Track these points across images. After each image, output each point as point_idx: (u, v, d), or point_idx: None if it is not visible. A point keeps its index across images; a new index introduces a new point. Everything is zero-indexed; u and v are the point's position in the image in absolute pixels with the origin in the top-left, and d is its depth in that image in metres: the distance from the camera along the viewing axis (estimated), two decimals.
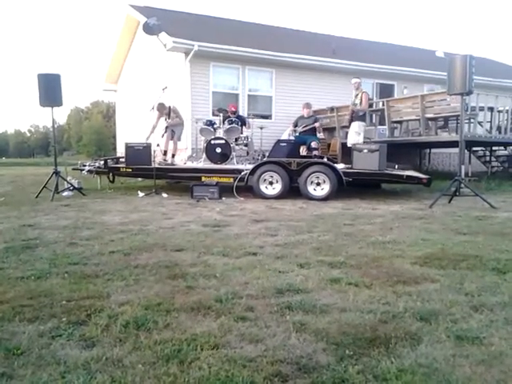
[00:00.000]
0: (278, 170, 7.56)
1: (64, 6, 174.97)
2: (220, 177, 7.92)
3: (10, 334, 2.01)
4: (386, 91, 13.19)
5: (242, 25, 15.52)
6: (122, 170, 8.82)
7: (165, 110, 9.07)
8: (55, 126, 8.43)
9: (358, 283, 2.72)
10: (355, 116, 8.72)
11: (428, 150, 13.17)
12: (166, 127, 9.07)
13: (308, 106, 9.42)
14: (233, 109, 9.68)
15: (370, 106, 10.18)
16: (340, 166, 7.84)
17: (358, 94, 8.66)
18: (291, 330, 2.03)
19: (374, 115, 10.72)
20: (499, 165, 11.92)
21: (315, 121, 9.19)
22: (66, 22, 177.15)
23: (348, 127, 11.06)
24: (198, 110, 10.96)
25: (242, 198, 7.41)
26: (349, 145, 8.62)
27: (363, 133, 8.87)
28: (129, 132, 16.00)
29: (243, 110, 11.54)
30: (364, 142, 8.54)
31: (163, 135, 9.10)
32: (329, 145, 10.83)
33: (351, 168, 7.74)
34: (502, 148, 11.65)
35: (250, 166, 7.82)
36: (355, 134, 8.67)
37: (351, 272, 2.98)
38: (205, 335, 1.98)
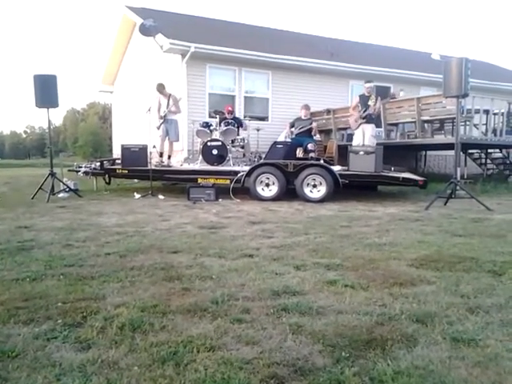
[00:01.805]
0: (274, 171, 7.56)
1: (60, 6, 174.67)
2: (216, 178, 7.91)
3: (4, 336, 1.99)
4: (382, 93, 13.21)
5: (238, 27, 15.55)
6: (118, 171, 8.80)
7: (164, 90, 8.95)
8: (51, 127, 8.40)
9: (354, 285, 2.72)
10: (369, 118, 8.74)
11: (424, 153, 13.23)
12: (164, 116, 8.84)
13: (307, 107, 9.43)
14: (230, 108, 9.68)
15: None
16: (336, 168, 7.84)
17: (370, 96, 8.72)
18: (287, 332, 2.03)
19: None
20: (495, 167, 11.98)
21: (312, 123, 9.19)
22: (63, 23, 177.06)
23: (345, 129, 11.11)
24: (195, 112, 10.96)
25: (238, 200, 7.40)
26: (367, 142, 8.61)
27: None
28: (125, 133, 15.97)
29: (240, 112, 11.56)
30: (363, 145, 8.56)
31: (159, 127, 8.91)
32: (325, 147, 10.86)
33: (348, 170, 7.76)
34: (498, 150, 11.72)
35: (247, 168, 7.82)
36: (372, 138, 8.74)
37: (347, 274, 2.99)
38: (201, 337, 1.97)
